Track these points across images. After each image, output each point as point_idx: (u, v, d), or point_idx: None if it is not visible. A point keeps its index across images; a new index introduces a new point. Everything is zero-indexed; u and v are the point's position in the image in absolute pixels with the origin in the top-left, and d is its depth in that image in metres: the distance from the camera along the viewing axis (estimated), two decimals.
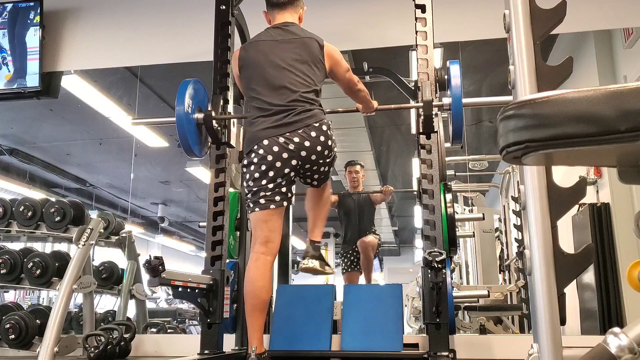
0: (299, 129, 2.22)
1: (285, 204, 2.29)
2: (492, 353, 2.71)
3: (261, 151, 2.23)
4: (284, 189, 2.27)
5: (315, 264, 2.49)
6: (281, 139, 2.21)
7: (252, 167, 2.25)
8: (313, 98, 2.31)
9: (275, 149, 2.21)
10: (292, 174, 2.28)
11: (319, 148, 2.25)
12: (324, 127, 2.28)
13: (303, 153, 2.23)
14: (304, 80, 2.30)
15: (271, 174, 2.23)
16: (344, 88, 2.54)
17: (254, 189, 2.26)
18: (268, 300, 2.30)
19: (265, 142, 2.23)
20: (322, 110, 2.34)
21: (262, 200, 2.25)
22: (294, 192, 2.37)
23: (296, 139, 2.21)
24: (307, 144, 2.23)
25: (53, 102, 4.94)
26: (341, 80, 2.47)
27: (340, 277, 5.00)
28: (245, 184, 2.33)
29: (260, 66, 2.33)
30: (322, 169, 2.35)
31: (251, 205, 2.29)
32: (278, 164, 2.22)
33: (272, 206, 2.25)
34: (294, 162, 2.24)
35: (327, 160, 2.34)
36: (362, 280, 4.66)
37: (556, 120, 0.63)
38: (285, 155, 2.21)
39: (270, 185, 2.24)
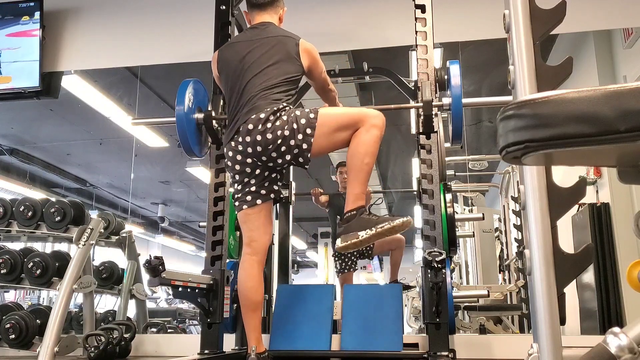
0: (240, 127, 2.19)
1: (259, 202, 2.27)
2: (492, 353, 2.71)
3: (225, 159, 2.30)
4: (253, 188, 2.27)
5: (338, 243, 2.11)
6: (232, 143, 2.23)
7: (228, 174, 2.34)
8: (272, 93, 2.20)
9: (230, 154, 2.25)
10: (258, 171, 2.24)
11: (258, 138, 2.14)
12: (262, 115, 2.13)
13: (249, 149, 2.19)
14: (272, 80, 2.24)
15: (237, 177, 2.28)
16: (317, 87, 2.54)
17: (232, 193, 2.35)
18: (260, 299, 2.30)
19: (225, 149, 2.28)
20: (274, 100, 2.18)
21: (237, 203, 2.32)
22: (274, 188, 2.32)
23: (240, 139, 2.20)
24: (247, 139, 2.17)
25: (53, 102, 4.94)
26: (317, 79, 2.46)
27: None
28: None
29: (234, 67, 2.33)
30: (282, 149, 2.13)
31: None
32: (237, 167, 2.25)
33: (244, 206, 2.29)
34: (248, 160, 2.22)
35: (279, 141, 2.12)
36: (356, 280, 4.59)
37: (556, 120, 0.64)
38: (238, 157, 2.22)
39: (239, 187, 2.29)
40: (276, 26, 2.44)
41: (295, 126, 2.13)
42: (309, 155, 2.16)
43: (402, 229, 2.12)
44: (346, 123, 2.18)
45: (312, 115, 2.16)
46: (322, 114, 2.18)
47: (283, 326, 2.64)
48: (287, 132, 2.12)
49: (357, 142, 2.15)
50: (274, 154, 2.16)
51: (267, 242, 2.35)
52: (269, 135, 2.13)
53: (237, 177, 2.29)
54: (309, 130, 2.13)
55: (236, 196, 2.32)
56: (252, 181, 2.27)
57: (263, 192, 2.29)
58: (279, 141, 2.13)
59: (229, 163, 2.27)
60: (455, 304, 2.71)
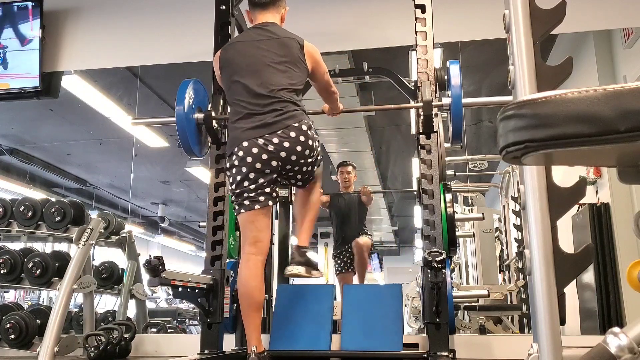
0: (278, 130, 2.22)
1: (270, 203, 2.32)
2: (492, 353, 2.71)
3: (241, 153, 2.25)
4: (267, 189, 2.29)
5: (300, 270, 2.41)
6: (260, 141, 2.22)
7: (234, 170, 2.28)
8: (293, 98, 2.30)
9: (255, 150, 2.22)
10: (275, 175, 2.29)
11: (298, 148, 2.25)
12: (304, 127, 2.27)
13: (282, 154, 2.23)
14: (283, 81, 2.29)
15: (252, 175, 2.26)
16: (320, 89, 2.56)
17: (237, 191, 2.30)
18: (262, 299, 2.31)
19: (245, 144, 2.24)
20: (302, 110, 2.34)
21: (246, 202, 2.28)
22: (279, 191, 2.44)
23: (275, 140, 2.21)
24: (286, 144, 2.22)
25: (53, 102, 4.94)
26: (320, 81, 2.49)
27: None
28: (229, 187, 2.37)
29: (240, 67, 2.34)
30: (304, 168, 2.34)
31: (237, 207, 2.34)
32: (258, 165, 2.24)
33: (256, 206, 2.28)
34: (274, 163, 2.24)
35: (309, 160, 2.32)
36: (355, 281, 4.64)
37: (556, 120, 0.64)
38: (264, 156, 2.22)
39: (252, 187, 2.27)
40: (279, 27, 2.44)
41: (316, 157, 2.38)
42: (307, 185, 2.46)
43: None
44: (318, 175, 2.52)
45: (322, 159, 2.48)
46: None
47: (283, 326, 2.64)
48: (314, 158, 2.36)
49: (316, 195, 2.53)
50: (296, 168, 2.32)
51: (269, 243, 2.43)
52: (307, 152, 2.30)
53: (251, 175, 2.25)
54: (317, 166, 2.43)
55: (245, 195, 2.27)
56: (266, 183, 2.27)
57: (274, 194, 2.34)
58: (310, 160, 2.34)
59: (248, 159, 2.23)
60: (455, 304, 2.71)
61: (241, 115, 2.29)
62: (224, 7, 2.81)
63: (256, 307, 2.26)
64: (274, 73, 2.29)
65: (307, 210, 2.51)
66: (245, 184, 2.26)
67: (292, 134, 2.23)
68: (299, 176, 2.37)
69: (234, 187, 2.30)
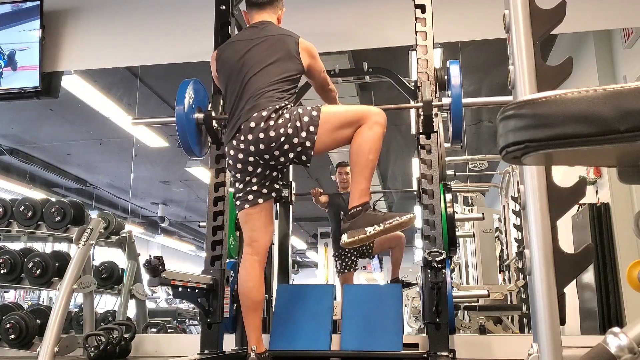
0: (241, 125, 2.19)
1: (260, 201, 2.27)
2: (492, 353, 2.71)
3: (227, 157, 2.29)
4: (255, 187, 2.27)
5: (344, 238, 2.07)
6: (234, 142, 2.22)
7: (229, 173, 2.34)
8: (273, 92, 2.20)
9: (232, 152, 2.24)
10: (259, 169, 2.23)
11: (261, 136, 2.13)
12: (264, 113, 2.12)
13: (251, 147, 2.17)
14: (272, 79, 2.24)
15: (238, 175, 2.28)
16: (318, 87, 2.54)
17: (233, 192, 2.35)
18: (261, 299, 2.30)
19: (226, 148, 2.27)
20: (274, 98, 2.17)
21: (238, 202, 2.31)
22: (275, 187, 2.32)
23: (242, 137, 2.19)
24: (250, 137, 2.16)
25: (53, 102, 4.94)
26: (316, 78, 2.47)
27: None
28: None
29: (233, 66, 2.33)
30: (285, 147, 2.13)
31: (235, 209, 2.38)
32: (239, 165, 2.24)
33: (246, 206, 2.28)
34: (250, 158, 2.21)
35: (282, 139, 2.12)
36: (356, 280, 4.61)
37: (556, 120, 0.64)
38: (240, 155, 2.21)
39: (241, 186, 2.29)
40: (275, 25, 2.44)
41: (298, 124, 2.13)
42: (311, 153, 2.17)
43: (408, 226, 2.14)
44: (349, 120, 2.18)
45: (314, 113, 2.16)
46: (325, 111, 2.18)
47: (283, 326, 2.64)
48: (290, 130, 2.12)
49: (361, 139, 2.15)
50: (276, 152, 2.16)
51: (268, 242, 2.35)
52: (272, 133, 2.12)
53: (238, 176, 2.28)
54: (312, 128, 2.13)
55: (237, 195, 2.32)
56: (254, 180, 2.26)
57: (265, 191, 2.29)
58: (282, 139, 2.13)
59: (231, 162, 2.27)
60: (455, 304, 2.71)
61: (230, 118, 2.30)
62: (224, 7, 2.81)
63: (255, 307, 2.27)
64: (264, 73, 2.25)
65: (355, 156, 2.15)
66: (237, 185, 2.31)
67: (252, 124, 2.14)
68: (291, 155, 2.15)
69: (232, 189, 2.37)
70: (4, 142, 7.49)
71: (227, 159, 2.30)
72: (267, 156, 2.19)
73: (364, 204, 2.14)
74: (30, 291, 6.72)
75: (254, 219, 2.30)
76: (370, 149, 2.15)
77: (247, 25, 2.51)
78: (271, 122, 2.12)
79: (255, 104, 2.18)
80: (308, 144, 2.14)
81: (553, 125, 0.64)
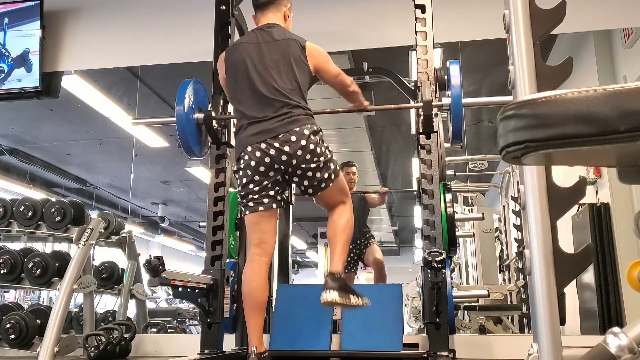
0: (279, 134, 2.22)
1: (274, 206, 2.31)
2: (492, 353, 2.71)
3: (246, 157, 2.27)
4: (271, 192, 2.29)
5: (333, 296, 2.16)
6: (262, 145, 2.23)
7: (241, 173, 2.30)
8: (296, 101, 2.29)
9: (258, 154, 2.24)
10: (278, 177, 2.29)
11: (299, 152, 2.23)
12: (306, 132, 2.24)
13: (283, 157, 2.23)
14: (286, 84, 2.29)
15: (257, 178, 2.27)
16: (336, 90, 2.54)
17: (242, 193, 2.33)
18: (265, 300, 2.31)
19: (249, 148, 2.26)
20: (307, 114, 2.31)
21: (250, 204, 2.30)
22: (287, 195, 2.41)
23: (276, 144, 2.22)
24: (286, 148, 2.22)
25: (53, 102, 4.94)
26: (331, 82, 2.48)
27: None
28: (238, 189, 2.38)
29: (244, 70, 2.34)
30: (308, 174, 2.28)
31: (242, 209, 2.36)
32: (262, 169, 2.25)
33: (260, 208, 2.29)
34: (276, 166, 2.25)
35: (312, 165, 2.27)
36: (357, 280, 4.60)
37: (556, 120, 0.64)
38: (267, 159, 2.24)
39: (257, 189, 2.28)
40: (282, 28, 2.44)
41: (324, 163, 2.30)
42: (319, 193, 2.35)
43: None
44: (343, 192, 2.42)
45: (338, 167, 2.40)
46: (340, 174, 2.42)
47: (283, 326, 2.64)
48: (320, 164, 2.29)
49: (345, 218, 2.40)
50: (299, 172, 2.28)
51: (274, 244, 2.41)
52: (308, 156, 2.26)
53: (256, 177, 2.27)
54: (333, 176, 2.34)
55: (250, 197, 2.30)
56: (270, 185, 2.28)
57: (279, 197, 2.33)
58: (313, 166, 2.28)
59: (252, 162, 2.25)
60: (455, 304, 2.72)
61: (247, 120, 2.31)
62: (224, 7, 2.81)
63: (259, 307, 2.26)
64: (277, 76, 2.29)
65: (337, 233, 2.37)
66: (251, 186, 2.29)
67: (293, 138, 2.23)
68: (305, 182, 2.31)
69: (240, 189, 2.34)
70: (4, 142, 7.49)
71: (245, 156, 2.26)
72: (291, 170, 2.27)
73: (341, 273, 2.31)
74: (30, 291, 6.72)
75: (265, 221, 2.32)
76: (350, 226, 2.43)
77: (255, 27, 2.49)
78: (311, 146, 2.25)
79: (295, 119, 2.25)
80: (323, 185, 2.33)
81: (553, 125, 0.64)
